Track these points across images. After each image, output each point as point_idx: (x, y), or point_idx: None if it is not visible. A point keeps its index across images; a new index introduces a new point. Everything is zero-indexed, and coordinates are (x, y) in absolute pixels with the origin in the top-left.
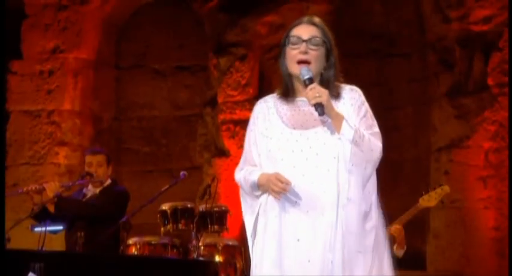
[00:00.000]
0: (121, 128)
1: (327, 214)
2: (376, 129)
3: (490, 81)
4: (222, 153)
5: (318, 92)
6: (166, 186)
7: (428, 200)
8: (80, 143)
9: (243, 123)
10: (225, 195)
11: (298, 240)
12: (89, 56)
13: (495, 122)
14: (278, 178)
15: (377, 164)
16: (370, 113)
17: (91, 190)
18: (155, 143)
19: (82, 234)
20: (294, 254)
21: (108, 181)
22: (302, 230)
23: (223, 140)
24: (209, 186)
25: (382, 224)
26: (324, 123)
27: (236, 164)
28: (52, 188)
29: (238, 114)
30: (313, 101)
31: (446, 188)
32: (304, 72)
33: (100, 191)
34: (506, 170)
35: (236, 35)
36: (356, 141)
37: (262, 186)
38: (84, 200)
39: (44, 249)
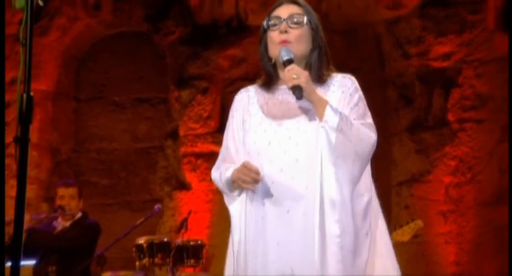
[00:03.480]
0: (80, 160)
1: (310, 214)
2: (370, 120)
3: (450, 117)
4: (183, 186)
5: (295, 73)
6: (142, 220)
7: (402, 235)
8: (37, 175)
9: (205, 157)
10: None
11: (277, 243)
12: (47, 88)
13: (455, 157)
14: (246, 166)
15: (369, 158)
16: (363, 102)
17: (61, 223)
18: (114, 175)
19: (53, 268)
20: (275, 258)
21: (79, 214)
22: (282, 232)
23: (184, 173)
24: (186, 220)
25: (383, 228)
26: (308, 111)
27: (197, 197)
28: None
29: (200, 147)
30: (290, 84)
31: (419, 223)
32: (283, 53)
33: (71, 224)
34: (466, 205)
35: (198, 68)
36: (342, 129)
37: (236, 182)
38: (55, 233)
39: None
